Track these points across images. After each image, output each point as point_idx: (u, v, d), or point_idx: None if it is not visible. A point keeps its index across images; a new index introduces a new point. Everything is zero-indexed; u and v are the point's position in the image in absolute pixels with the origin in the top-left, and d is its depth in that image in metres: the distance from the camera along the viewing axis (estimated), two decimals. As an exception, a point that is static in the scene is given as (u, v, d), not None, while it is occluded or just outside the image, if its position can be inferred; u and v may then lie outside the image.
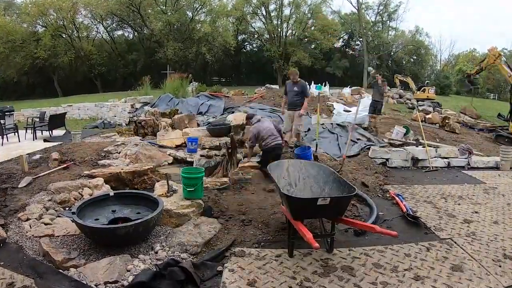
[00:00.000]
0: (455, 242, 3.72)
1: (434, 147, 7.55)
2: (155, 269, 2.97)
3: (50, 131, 9.62)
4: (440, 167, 7.05)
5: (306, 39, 38.27)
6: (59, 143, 8.18)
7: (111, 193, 4.15)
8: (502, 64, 12.37)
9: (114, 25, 36.56)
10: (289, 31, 39.04)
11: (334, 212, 3.32)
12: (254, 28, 39.87)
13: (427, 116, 13.86)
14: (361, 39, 40.98)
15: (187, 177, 4.27)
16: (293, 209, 3.19)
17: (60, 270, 3.03)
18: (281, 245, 3.53)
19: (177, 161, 7.70)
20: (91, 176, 5.32)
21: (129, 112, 13.48)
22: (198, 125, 10.88)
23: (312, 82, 19.81)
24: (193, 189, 4.23)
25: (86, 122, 13.46)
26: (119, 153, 7.18)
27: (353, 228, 3.92)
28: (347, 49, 45.55)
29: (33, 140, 9.07)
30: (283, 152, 6.26)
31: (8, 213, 4.10)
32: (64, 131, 10.25)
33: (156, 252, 3.37)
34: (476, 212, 4.62)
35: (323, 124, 10.13)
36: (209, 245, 3.55)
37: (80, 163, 6.27)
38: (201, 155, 7.64)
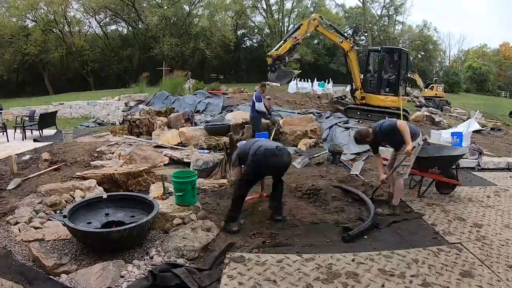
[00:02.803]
0: (465, 247, 3.72)
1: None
2: (148, 275, 2.97)
3: (40, 131, 9.62)
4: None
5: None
6: (50, 143, 8.17)
7: (104, 195, 4.15)
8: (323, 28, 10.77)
9: (107, 19, 36.50)
10: (291, 26, 39.03)
11: None
12: (254, 23, 39.89)
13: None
14: (366, 34, 40.97)
15: (176, 181, 4.19)
16: None
17: (51, 276, 3.03)
18: (282, 250, 3.53)
19: (173, 161, 7.70)
20: (83, 178, 5.32)
21: (123, 111, 13.50)
22: (196, 124, 10.89)
23: (315, 79, 19.85)
24: (181, 194, 4.12)
25: (78, 121, 13.47)
26: (113, 153, 7.18)
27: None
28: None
29: (23, 140, 9.07)
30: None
31: (-4, 216, 4.10)
32: (55, 130, 10.25)
33: (152, 257, 3.36)
34: (487, 216, 4.62)
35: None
36: (207, 250, 3.55)
37: (71, 164, 6.27)
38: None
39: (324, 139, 8.89)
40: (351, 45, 10.83)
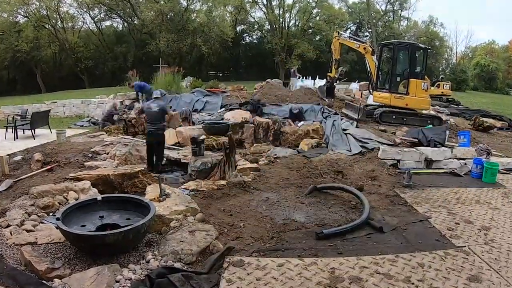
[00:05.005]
0: (472, 251, 3.72)
1: (449, 147, 7.55)
2: (145, 279, 2.97)
3: (33, 130, 9.61)
4: (455, 169, 7.05)
5: (310, 30, 38.21)
6: (42, 143, 8.18)
7: (99, 197, 4.15)
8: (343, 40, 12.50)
9: (102, 15, 36.45)
10: (292, 22, 39.01)
11: None
12: (254, 18, 39.83)
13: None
14: (370, 30, 40.96)
15: None
16: None
17: (44, 281, 3.03)
18: (283, 254, 3.53)
19: (170, 162, 7.70)
20: (77, 179, 5.32)
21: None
22: (193, 123, 10.90)
23: (317, 77, 19.82)
24: None
25: (72, 120, 13.47)
26: (108, 153, 7.18)
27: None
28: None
29: (14, 139, 9.07)
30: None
31: (-13, 219, 4.10)
32: (48, 129, 10.24)
33: (148, 262, 3.37)
34: (495, 218, 4.62)
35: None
36: (205, 254, 3.55)
37: (65, 164, 6.27)
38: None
39: (326, 139, 8.88)
40: (364, 48, 11.67)
